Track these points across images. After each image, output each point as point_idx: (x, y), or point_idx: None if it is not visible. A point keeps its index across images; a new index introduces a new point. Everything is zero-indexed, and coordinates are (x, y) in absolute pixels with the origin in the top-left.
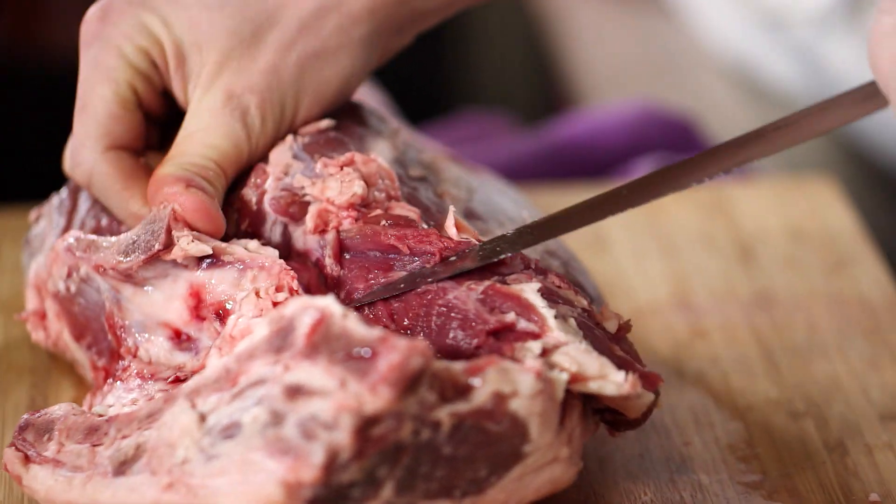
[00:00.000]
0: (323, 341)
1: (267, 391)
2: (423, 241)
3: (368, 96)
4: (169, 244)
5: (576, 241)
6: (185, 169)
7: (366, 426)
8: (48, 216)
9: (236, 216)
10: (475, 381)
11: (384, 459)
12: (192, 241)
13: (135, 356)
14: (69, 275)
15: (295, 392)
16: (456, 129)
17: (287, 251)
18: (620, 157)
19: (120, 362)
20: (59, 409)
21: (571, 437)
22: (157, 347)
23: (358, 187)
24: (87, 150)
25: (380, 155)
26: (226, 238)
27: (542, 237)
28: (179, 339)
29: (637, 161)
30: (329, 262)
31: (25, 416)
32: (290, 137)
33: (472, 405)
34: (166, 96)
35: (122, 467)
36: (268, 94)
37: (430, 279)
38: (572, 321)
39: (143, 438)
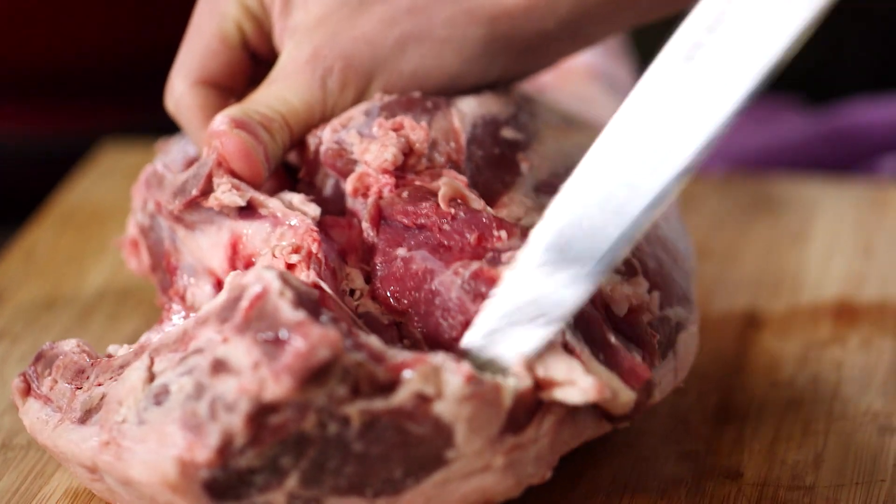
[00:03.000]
0: (256, 318)
1: (198, 362)
2: (420, 215)
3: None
4: (207, 191)
5: (774, 233)
6: (247, 113)
7: (262, 413)
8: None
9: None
10: (401, 379)
11: (287, 449)
12: (230, 190)
13: (182, 299)
14: (143, 206)
15: (219, 367)
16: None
17: (340, 206)
18: None
19: (167, 303)
20: (66, 344)
21: (524, 445)
22: (201, 293)
23: (389, 154)
24: (178, 80)
25: (462, 113)
26: (285, 187)
27: None
28: (220, 288)
29: None
30: (366, 227)
31: (45, 345)
32: (378, 94)
33: (391, 404)
34: None
35: (86, 416)
36: (356, 62)
37: None
38: None
39: (109, 389)
